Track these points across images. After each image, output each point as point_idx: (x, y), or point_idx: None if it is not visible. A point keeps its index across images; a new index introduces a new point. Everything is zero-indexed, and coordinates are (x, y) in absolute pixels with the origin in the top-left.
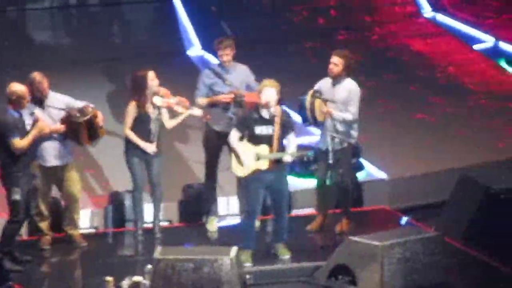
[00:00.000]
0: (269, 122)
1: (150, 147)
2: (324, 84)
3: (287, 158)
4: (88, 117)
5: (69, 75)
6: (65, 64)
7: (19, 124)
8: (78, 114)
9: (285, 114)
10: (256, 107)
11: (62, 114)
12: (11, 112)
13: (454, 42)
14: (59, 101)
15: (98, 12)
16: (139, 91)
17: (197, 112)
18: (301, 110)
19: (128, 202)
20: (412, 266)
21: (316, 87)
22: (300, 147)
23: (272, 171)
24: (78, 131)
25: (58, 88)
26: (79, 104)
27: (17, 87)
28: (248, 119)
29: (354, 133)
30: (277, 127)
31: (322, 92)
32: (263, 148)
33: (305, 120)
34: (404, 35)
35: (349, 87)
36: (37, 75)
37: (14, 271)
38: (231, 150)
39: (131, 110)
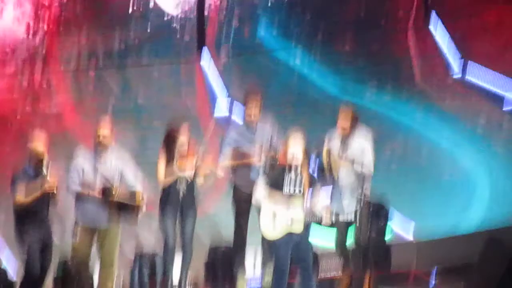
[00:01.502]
0: (297, 181)
1: (186, 170)
2: (334, 139)
3: (326, 222)
4: (122, 202)
5: None
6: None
7: (28, 181)
8: (114, 193)
9: (310, 173)
10: (285, 167)
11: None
12: (26, 168)
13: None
14: (115, 165)
15: (128, 73)
16: (167, 148)
17: (220, 174)
18: (317, 168)
19: (154, 264)
20: None
21: (327, 142)
22: None
23: (299, 234)
24: (108, 208)
25: None
26: (132, 180)
27: (33, 146)
28: (279, 177)
29: (369, 186)
30: (305, 186)
31: (335, 148)
32: (298, 212)
33: (321, 179)
34: (432, 95)
35: (361, 143)
36: (99, 125)
37: None
38: (261, 209)
39: (162, 156)
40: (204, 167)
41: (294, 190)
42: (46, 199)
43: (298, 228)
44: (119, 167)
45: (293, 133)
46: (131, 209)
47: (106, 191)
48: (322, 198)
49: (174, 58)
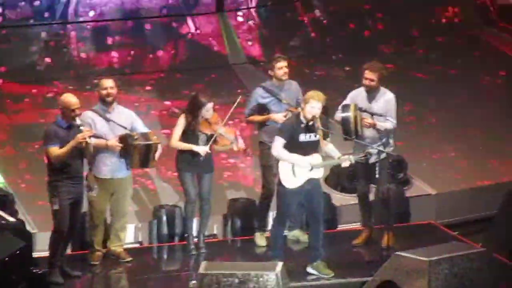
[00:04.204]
0: (312, 129)
1: (202, 149)
2: (359, 96)
3: (346, 163)
4: (145, 143)
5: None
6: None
7: (61, 134)
8: (136, 137)
9: (324, 121)
10: (298, 116)
11: (124, 131)
12: (58, 121)
13: None
14: (124, 117)
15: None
16: (192, 112)
17: (240, 146)
18: (344, 124)
19: (173, 216)
20: (460, 282)
21: (350, 99)
22: None
23: (311, 180)
24: (131, 153)
25: None
26: (142, 127)
27: (65, 98)
28: (293, 127)
29: (392, 142)
30: (320, 134)
31: (361, 102)
32: (316, 157)
33: (348, 134)
34: None
35: (387, 98)
36: (105, 81)
37: (56, 283)
38: (281, 160)
39: (181, 122)
40: (223, 134)
41: (310, 136)
42: (79, 152)
43: (318, 173)
44: (130, 115)
45: (312, 90)
46: (151, 150)
47: (126, 138)
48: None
49: None
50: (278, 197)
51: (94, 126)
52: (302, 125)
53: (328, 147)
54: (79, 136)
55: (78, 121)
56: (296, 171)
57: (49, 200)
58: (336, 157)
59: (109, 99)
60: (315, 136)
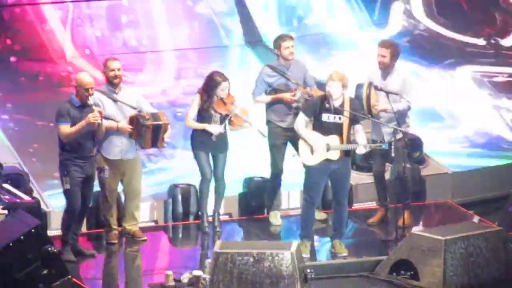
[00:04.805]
0: (337, 111)
1: (215, 128)
2: (373, 75)
3: (361, 150)
4: (157, 123)
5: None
6: None
7: (73, 112)
8: (147, 117)
9: (354, 105)
10: (325, 97)
11: (133, 111)
12: (71, 99)
13: None
14: (131, 97)
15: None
16: (207, 91)
17: (250, 127)
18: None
19: (188, 194)
20: (475, 261)
21: (367, 78)
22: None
23: (337, 161)
24: (143, 134)
25: None
26: (148, 107)
27: (80, 77)
28: (316, 106)
29: (408, 120)
30: (345, 117)
31: (376, 81)
32: (334, 138)
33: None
34: None
35: (402, 76)
36: (112, 62)
37: (69, 261)
38: (300, 137)
39: (196, 101)
40: (236, 116)
41: (334, 118)
42: (90, 133)
43: (333, 155)
44: (135, 96)
45: (334, 71)
46: (161, 131)
47: (137, 118)
48: (362, 130)
49: None
50: (304, 176)
51: (102, 107)
52: (327, 105)
53: (357, 134)
54: (90, 116)
55: (91, 100)
56: (313, 149)
57: (60, 179)
58: (356, 142)
59: (117, 80)
60: (340, 118)
